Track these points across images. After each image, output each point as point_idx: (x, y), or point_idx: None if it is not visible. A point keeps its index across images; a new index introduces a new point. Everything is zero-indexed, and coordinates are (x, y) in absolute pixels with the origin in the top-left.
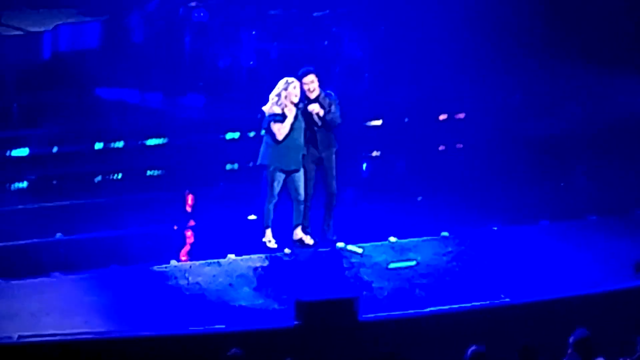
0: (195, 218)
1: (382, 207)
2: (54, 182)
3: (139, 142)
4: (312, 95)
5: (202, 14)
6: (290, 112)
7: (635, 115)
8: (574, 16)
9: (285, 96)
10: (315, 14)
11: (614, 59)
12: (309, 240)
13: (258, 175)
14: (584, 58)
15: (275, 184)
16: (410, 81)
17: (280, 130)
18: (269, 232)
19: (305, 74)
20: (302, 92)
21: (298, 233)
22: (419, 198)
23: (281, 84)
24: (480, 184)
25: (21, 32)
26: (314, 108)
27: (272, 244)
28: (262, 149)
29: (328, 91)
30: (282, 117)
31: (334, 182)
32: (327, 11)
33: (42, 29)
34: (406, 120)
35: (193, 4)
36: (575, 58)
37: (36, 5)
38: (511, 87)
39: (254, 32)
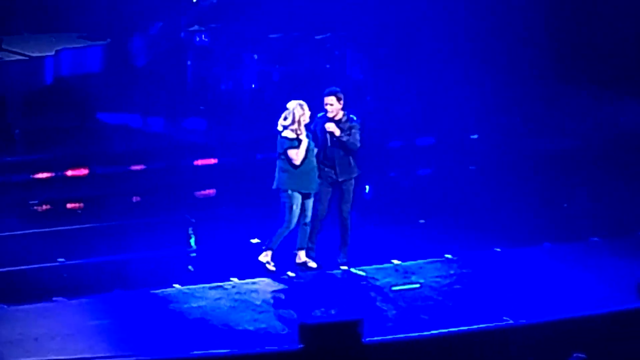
0: (199, 241)
1: (385, 230)
2: (57, 206)
3: (142, 166)
4: (331, 116)
5: (204, 38)
6: (303, 136)
7: (637, 135)
8: (576, 37)
9: (298, 121)
10: (317, 37)
11: (616, 79)
12: (312, 263)
13: (266, 199)
14: (586, 78)
15: (295, 207)
16: (412, 103)
17: (298, 154)
18: (270, 253)
19: (327, 95)
20: (325, 111)
21: (302, 256)
22: (422, 220)
23: (291, 106)
24: (483, 206)
25: (23, 57)
26: (330, 127)
27: (272, 267)
28: (277, 173)
29: (351, 115)
30: (297, 142)
31: (346, 208)
32: (329, 34)
33: (44, 54)
34: (408, 142)
35: (195, 27)
36: (577, 78)
37: (38, 30)
38: (513, 107)
39: (256, 56)
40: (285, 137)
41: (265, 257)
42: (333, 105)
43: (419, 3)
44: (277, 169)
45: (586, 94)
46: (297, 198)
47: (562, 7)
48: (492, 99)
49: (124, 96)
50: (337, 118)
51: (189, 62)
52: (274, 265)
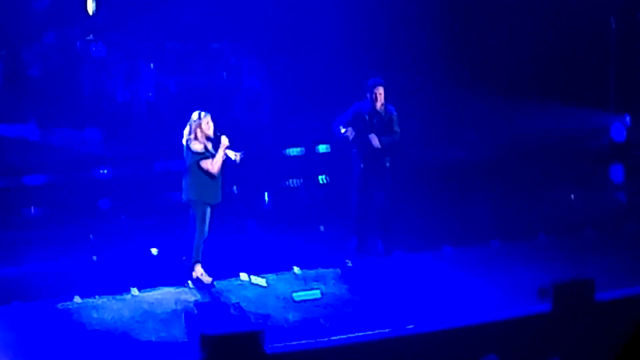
0: (98, 253)
1: (285, 238)
2: None
3: (38, 178)
4: (379, 104)
5: (99, 48)
6: (210, 146)
7: (534, 141)
8: (473, 44)
9: (195, 131)
10: (213, 46)
11: (512, 86)
12: (207, 278)
13: (163, 209)
14: (482, 85)
15: (206, 217)
16: (309, 111)
17: (214, 164)
18: (199, 267)
19: (379, 85)
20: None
21: (199, 270)
22: (322, 228)
23: (192, 117)
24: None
25: None
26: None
27: (206, 278)
28: (185, 185)
29: (389, 106)
30: (207, 153)
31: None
32: (225, 43)
33: None
34: (303, 150)
35: (90, 37)
36: (473, 85)
37: None
38: (410, 114)
39: (152, 66)
40: (193, 150)
41: (196, 272)
42: (382, 95)
43: (316, 11)
44: (184, 181)
45: (484, 102)
46: (207, 209)
47: (458, 15)
48: (388, 107)
49: (19, 107)
50: (379, 107)
51: (84, 72)
52: (209, 275)
